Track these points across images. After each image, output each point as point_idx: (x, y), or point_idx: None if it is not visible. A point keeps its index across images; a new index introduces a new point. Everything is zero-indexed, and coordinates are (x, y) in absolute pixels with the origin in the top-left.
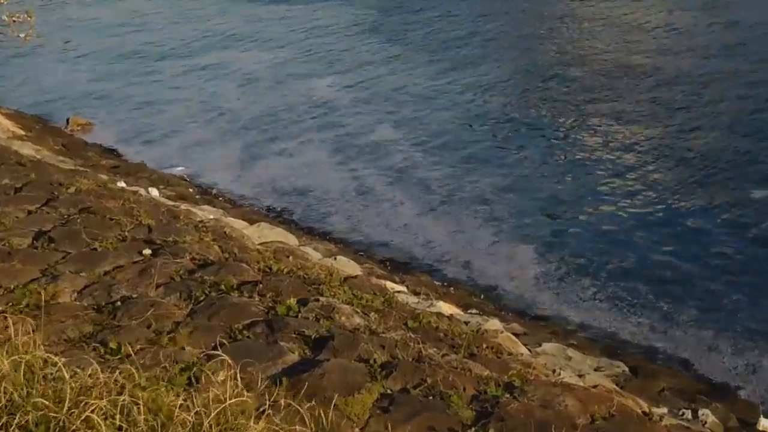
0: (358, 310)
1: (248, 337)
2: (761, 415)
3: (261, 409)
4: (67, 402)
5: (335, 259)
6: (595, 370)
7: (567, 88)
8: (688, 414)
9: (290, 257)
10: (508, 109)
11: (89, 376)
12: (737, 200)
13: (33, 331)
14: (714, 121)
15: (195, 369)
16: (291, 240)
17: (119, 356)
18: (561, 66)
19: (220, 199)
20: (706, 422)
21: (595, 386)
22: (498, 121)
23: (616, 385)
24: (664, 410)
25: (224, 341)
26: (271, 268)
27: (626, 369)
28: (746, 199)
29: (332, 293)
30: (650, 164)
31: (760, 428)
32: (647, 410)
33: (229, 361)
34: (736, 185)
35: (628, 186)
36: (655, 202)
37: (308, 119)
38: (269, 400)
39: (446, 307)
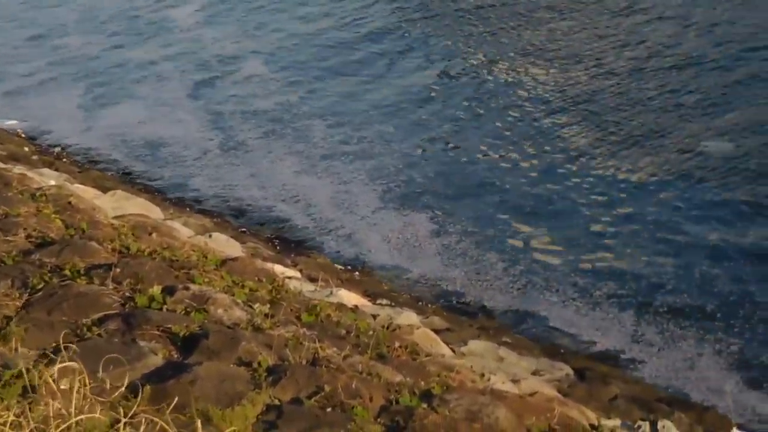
0: (239, 301)
1: (99, 335)
2: (734, 428)
3: (115, 426)
4: None
5: (210, 236)
6: (533, 373)
7: (482, 24)
8: (646, 426)
9: (153, 234)
10: (405, 46)
11: None
12: (686, 158)
13: None
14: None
15: (31, 375)
16: (154, 212)
17: None
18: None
19: (65, 160)
20: None
21: (532, 394)
22: (393, 60)
23: (559, 392)
24: (616, 422)
25: (69, 340)
26: (128, 248)
27: (571, 372)
28: (699, 155)
29: (206, 279)
30: (575, 114)
31: None
32: (595, 422)
33: (75, 365)
34: (683, 139)
35: (545, 139)
36: (578, 156)
37: (164, 54)
38: (126, 413)
39: (350, 297)
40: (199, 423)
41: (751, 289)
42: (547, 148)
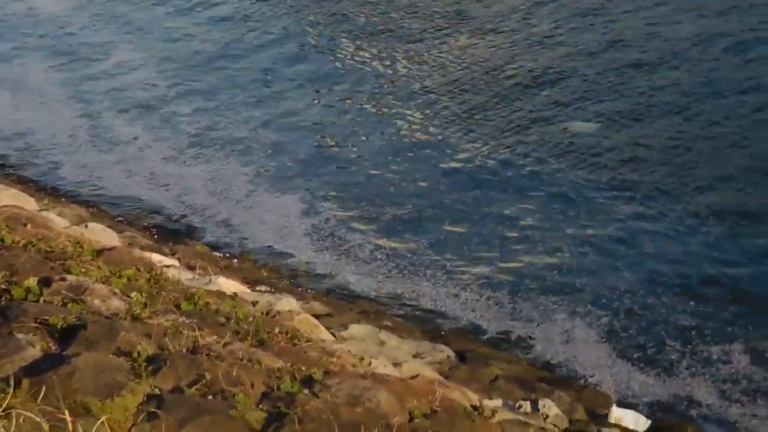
0: (117, 291)
1: None
2: (614, 405)
3: None
4: None
5: (86, 226)
6: (415, 356)
7: (355, 10)
8: (527, 406)
9: (28, 225)
10: (271, 32)
11: None
12: (550, 138)
13: None
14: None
15: None
16: (28, 203)
17: None
18: None
19: None
20: (547, 415)
21: (414, 376)
22: (259, 46)
23: (440, 374)
24: (498, 402)
25: None
26: (2, 240)
27: (452, 354)
28: (563, 134)
29: (83, 270)
30: (446, 92)
31: (612, 420)
32: (477, 403)
33: None
34: (548, 120)
35: (409, 121)
36: (441, 136)
37: (30, 43)
38: (2, 406)
39: (229, 285)
40: (67, 413)
41: (616, 263)
42: (412, 130)
